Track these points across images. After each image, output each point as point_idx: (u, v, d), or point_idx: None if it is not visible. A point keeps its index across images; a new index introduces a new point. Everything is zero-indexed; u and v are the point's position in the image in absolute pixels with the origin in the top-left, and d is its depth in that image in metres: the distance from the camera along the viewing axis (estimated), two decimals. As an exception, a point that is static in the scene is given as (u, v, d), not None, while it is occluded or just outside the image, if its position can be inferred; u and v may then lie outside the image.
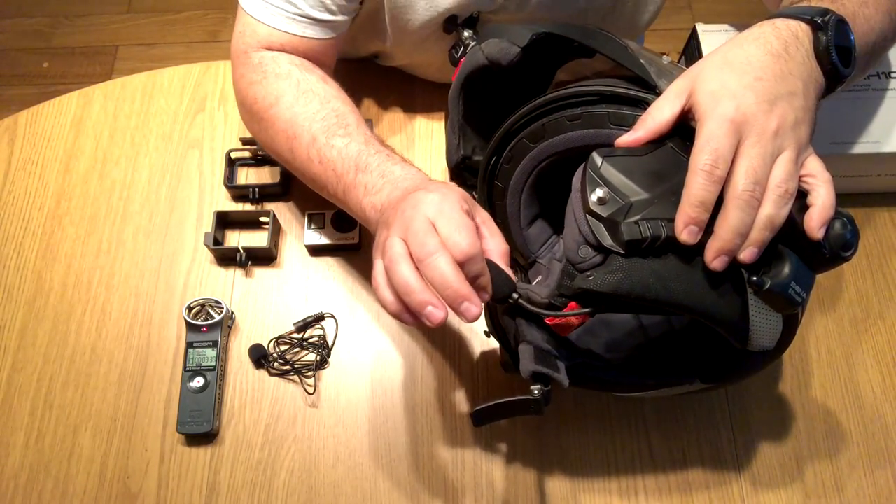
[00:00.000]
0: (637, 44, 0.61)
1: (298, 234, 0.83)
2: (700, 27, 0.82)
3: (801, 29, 0.54)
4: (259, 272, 0.81)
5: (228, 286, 0.80)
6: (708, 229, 0.49)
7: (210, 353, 0.74)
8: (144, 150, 0.88)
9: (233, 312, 0.79)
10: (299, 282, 0.81)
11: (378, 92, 0.91)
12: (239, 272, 0.81)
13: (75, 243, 0.83)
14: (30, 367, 0.77)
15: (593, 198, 0.50)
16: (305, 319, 0.78)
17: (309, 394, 0.75)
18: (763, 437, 0.73)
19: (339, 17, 0.72)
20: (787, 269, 0.49)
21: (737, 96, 0.49)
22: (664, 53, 0.62)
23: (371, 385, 0.76)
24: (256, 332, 0.78)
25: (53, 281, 0.81)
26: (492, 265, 0.53)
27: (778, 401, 0.75)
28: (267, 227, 0.81)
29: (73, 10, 2.04)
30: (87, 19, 2.03)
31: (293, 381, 0.76)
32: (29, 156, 0.88)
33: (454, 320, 0.76)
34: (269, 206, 0.84)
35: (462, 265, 0.49)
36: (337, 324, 0.78)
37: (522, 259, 0.70)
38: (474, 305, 0.48)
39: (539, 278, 0.68)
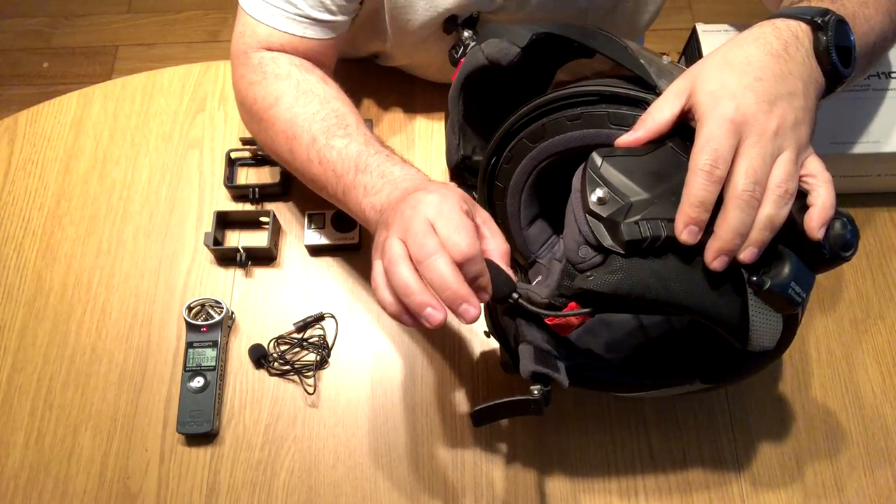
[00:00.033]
0: (637, 44, 0.61)
1: (298, 234, 0.83)
2: (700, 27, 0.82)
3: (801, 29, 0.54)
4: (259, 272, 0.81)
5: (228, 286, 0.81)
6: (708, 229, 0.49)
7: (210, 353, 0.74)
8: (144, 150, 0.88)
9: (233, 312, 0.79)
10: (299, 282, 0.81)
11: (378, 92, 0.91)
12: (239, 272, 0.81)
13: (75, 243, 0.83)
14: (30, 367, 0.77)
15: (593, 198, 0.50)
16: (305, 319, 0.78)
17: (309, 394, 0.75)
18: (763, 437, 0.73)
19: (339, 18, 0.72)
20: (787, 269, 0.49)
21: (737, 96, 0.49)
22: (664, 53, 0.62)
23: (371, 385, 0.76)
24: (256, 332, 0.78)
25: (53, 281, 0.81)
26: (492, 265, 0.53)
27: (778, 401, 0.75)
28: (267, 227, 0.81)
29: (73, 10, 2.04)
30: (87, 19, 2.03)
31: (293, 381, 0.76)
32: (29, 156, 0.88)
33: (454, 320, 0.76)
34: (269, 206, 0.84)
35: (461, 266, 0.49)
36: (337, 324, 0.78)
37: (522, 259, 0.70)
38: (473, 307, 0.48)
39: (539, 278, 0.68)
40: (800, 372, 0.76)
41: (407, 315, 0.50)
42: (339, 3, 0.71)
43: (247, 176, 0.86)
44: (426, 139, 0.89)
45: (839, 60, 0.53)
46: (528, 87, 0.65)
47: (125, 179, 0.87)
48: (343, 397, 0.75)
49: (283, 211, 0.84)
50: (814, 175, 0.51)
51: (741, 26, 0.61)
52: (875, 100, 0.78)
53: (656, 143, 0.52)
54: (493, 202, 0.69)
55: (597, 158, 0.52)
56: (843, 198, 0.55)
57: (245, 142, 0.85)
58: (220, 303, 0.77)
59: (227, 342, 0.77)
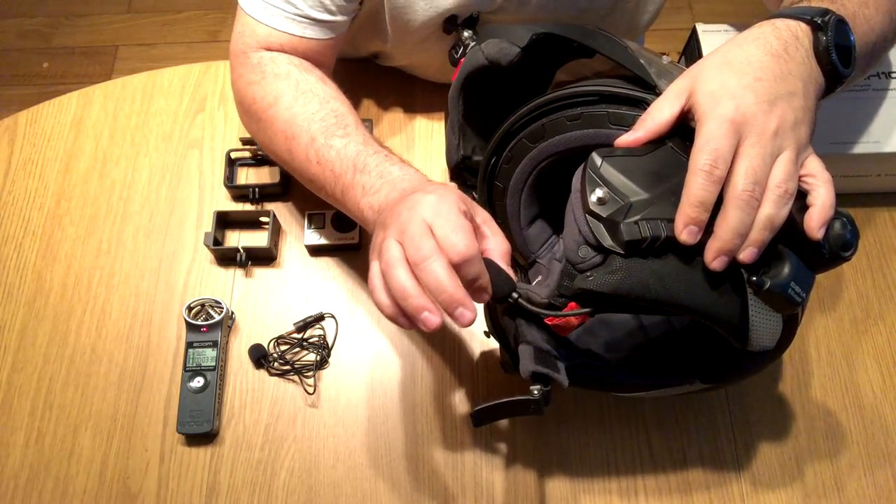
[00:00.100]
0: (637, 44, 0.61)
1: (298, 234, 0.83)
2: (700, 27, 0.82)
3: (801, 29, 0.54)
4: (259, 272, 0.81)
5: (228, 286, 0.81)
6: (708, 229, 0.49)
7: (210, 353, 0.74)
8: (144, 150, 0.88)
9: (233, 312, 0.79)
10: (299, 282, 0.81)
11: (378, 92, 0.91)
12: (239, 272, 0.81)
13: (75, 243, 0.83)
14: (30, 367, 0.77)
15: (593, 198, 0.50)
16: (305, 319, 0.78)
17: (309, 394, 0.75)
18: (763, 437, 0.73)
19: (339, 18, 0.72)
20: (786, 269, 0.49)
21: (736, 96, 0.49)
22: (664, 53, 0.62)
23: (371, 385, 0.76)
24: (256, 332, 0.78)
25: (53, 281, 0.81)
26: (492, 265, 0.53)
27: (778, 401, 0.75)
28: (267, 227, 0.81)
29: (73, 10, 2.04)
30: (87, 19, 2.03)
31: (293, 381, 0.76)
32: (29, 156, 0.88)
33: (452, 322, 0.76)
34: (269, 206, 0.84)
35: (460, 267, 0.49)
36: (337, 324, 0.78)
37: (522, 259, 0.70)
38: (469, 311, 0.48)
39: (539, 278, 0.68)
40: (800, 372, 0.76)
41: (404, 318, 0.50)
42: (339, 4, 0.71)
43: (247, 176, 0.86)
44: (426, 139, 0.89)
45: (839, 60, 0.53)
46: (528, 87, 0.65)
47: (125, 179, 0.87)
48: (343, 397, 0.75)
49: (283, 211, 0.84)
50: (813, 175, 0.51)
51: (741, 26, 0.61)
52: (875, 100, 0.78)
53: (656, 143, 0.52)
54: (493, 202, 0.69)
55: (596, 158, 0.52)
56: (843, 198, 0.55)
57: (245, 142, 0.85)
58: (220, 303, 0.77)
59: (227, 342, 0.77)
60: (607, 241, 0.50)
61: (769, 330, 0.52)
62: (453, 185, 0.75)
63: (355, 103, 0.89)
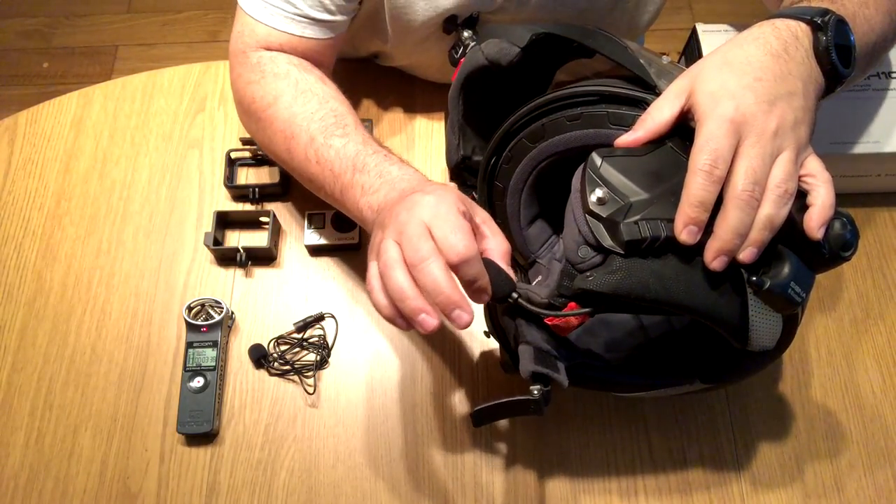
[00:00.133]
0: (637, 44, 0.61)
1: (298, 235, 0.83)
2: (700, 27, 0.82)
3: (801, 29, 0.54)
4: (259, 272, 0.81)
5: (228, 286, 0.81)
6: (707, 229, 0.49)
7: (210, 353, 0.75)
8: (144, 150, 0.88)
9: (233, 312, 0.79)
10: (299, 282, 0.81)
11: (378, 92, 0.91)
12: (239, 272, 0.81)
13: (75, 243, 0.83)
14: (30, 367, 0.77)
15: (593, 198, 0.50)
16: (305, 319, 0.78)
17: (309, 394, 0.75)
18: (763, 437, 0.73)
19: (338, 18, 0.72)
20: (786, 269, 0.49)
21: (736, 96, 0.49)
22: (664, 53, 0.62)
23: (371, 385, 0.76)
24: (256, 332, 0.78)
25: (53, 281, 0.81)
26: (492, 264, 0.53)
27: (778, 401, 0.75)
28: (267, 227, 0.81)
29: (73, 10, 2.04)
30: (87, 19, 2.03)
31: (293, 381, 0.76)
32: (29, 156, 0.88)
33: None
34: (269, 206, 0.84)
35: (459, 268, 0.49)
36: (337, 324, 0.78)
37: (522, 259, 0.70)
38: (465, 313, 0.49)
39: (539, 278, 0.68)
40: (800, 372, 0.76)
41: (401, 319, 0.50)
42: (339, 3, 0.71)
43: (247, 176, 0.86)
44: (426, 139, 0.89)
45: (839, 60, 0.53)
46: (528, 87, 0.65)
47: (125, 179, 0.87)
48: (343, 397, 0.75)
49: (283, 211, 0.84)
50: (813, 175, 0.51)
51: (741, 26, 0.61)
52: (875, 100, 0.78)
53: (656, 143, 0.52)
54: (492, 202, 0.69)
55: (596, 158, 0.52)
56: (843, 198, 0.55)
57: (245, 142, 0.85)
58: (220, 303, 0.77)
59: (227, 342, 0.77)
60: (607, 241, 0.50)
61: (769, 330, 0.52)
62: (453, 185, 0.75)
63: (355, 103, 0.89)
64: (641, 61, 0.56)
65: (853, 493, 0.71)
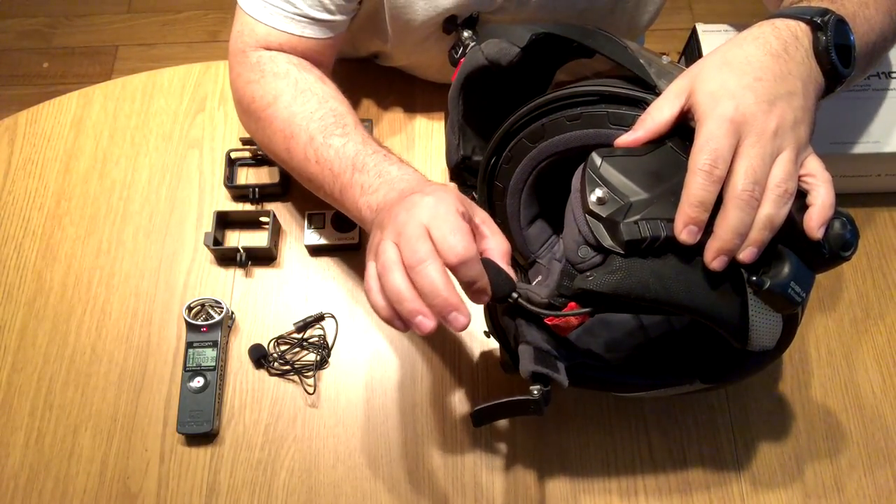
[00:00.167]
0: (637, 44, 0.61)
1: (298, 235, 0.83)
2: (700, 27, 0.82)
3: (801, 29, 0.54)
4: (259, 272, 0.81)
5: (228, 286, 0.81)
6: (707, 229, 0.49)
7: (210, 353, 0.74)
8: (144, 150, 0.88)
9: (233, 312, 0.79)
10: (299, 282, 0.81)
11: (378, 92, 0.91)
12: (239, 272, 0.81)
13: (75, 243, 0.83)
14: (30, 367, 0.77)
15: (593, 198, 0.50)
16: (305, 319, 0.78)
17: (309, 394, 0.75)
18: (763, 437, 0.73)
19: (338, 17, 0.72)
20: (786, 269, 0.49)
21: (736, 96, 0.49)
22: (664, 53, 0.62)
23: (371, 385, 0.76)
24: (256, 332, 0.78)
25: (53, 281, 0.81)
26: (491, 265, 0.53)
27: (778, 401, 0.75)
28: (267, 227, 0.81)
29: (73, 10, 2.04)
30: (87, 19, 2.03)
31: (293, 381, 0.76)
32: (29, 156, 0.88)
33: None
34: (269, 206, 0.84)
35: (458, 269, 0.49)
36: (337, 324, 0.78)
37: (522, 259, 0.70)
38: (462, 315, 0.49)
39: (539, 278, 0.68)
40: (800, 372, 0.76)
41: (399, 321, 0.50)
42: (338, 3, 0.71)
43: (247, 176, 0.86)
44: (426, 139, 0.89)
45: (839, 60, 0.53)
46: (528, 87, 0.65)
47: (125, 179, 0.87)
48: (343, 397, 0.75)
49: (283, 211, 0.84)
50: (813, 175, 0.51)
51: (741, 26, 0.61)
52: (875, 100, 0.78)
53: (656, 143, 0.52)
54: (492, 202, 0.69)
55: (596, 158, 0.52)
56: (843, 198, 0.55)
57: (245, 142, 0.85)
58: (220, 303, 0.77)
59: (227, 342, 0.77)
60: (607, 241, 0.50)
61: (769, 330, 0.52)
62: (452, 185, 0.75)
63: (355, 103, 0.89)
64: (641, 61, 0.56)
65: (853, 493, 0.71)
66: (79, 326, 0.79)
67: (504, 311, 0.59)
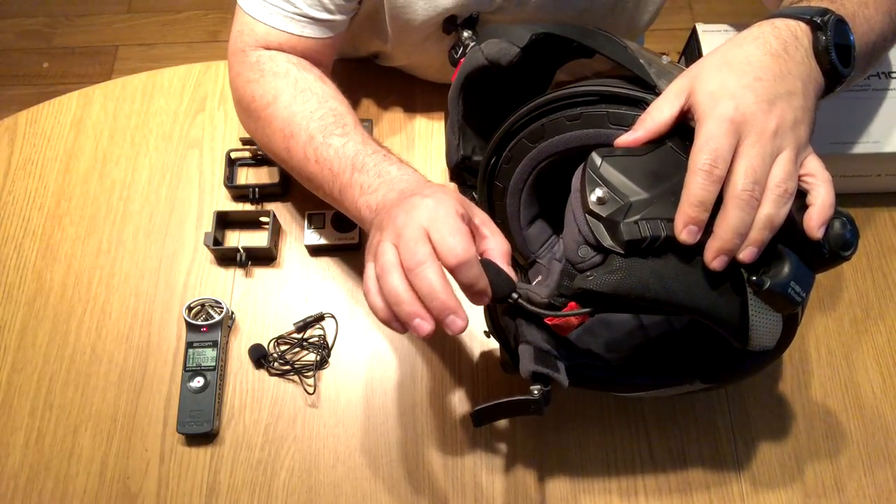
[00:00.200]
0: (637, 44, 0.61)
1: (298, 235, 0.83)
2: (700, 27, 0.82)
3: (801, 29, 0.54)
4: (259, 272, 0.81)
5: (228, 286, 0.81)
6: (707, 229, 0.49)
7: (210, 353, 0.74)
8: (144, 150, 0.88)
9: (233, 312, 0.79)
10: (299, 282, 0.81)
11: (378, 92, 0.91)
12: (239, 272, 0.81)
13: (75, 243, 0.83)
14: (30, 367, 0.77)
15: (593, 198, 0.50)
16: (305, 319, 0.78)
17: (309, 394, 0.75)
18: (763, 437, 0.73)
19: (338, 17, 0.72)
20: (786, 269, 0.49)
21: (736, 96, 0.49)
22: (664, 53, 0.62)
23: (371, 385, 0.76)
24: (256, 332, 0.78)
25: (53, 281, 0.81)
26: (491, 265, 0.53)
27: (778, 401, 0.75)
28: (267, 227, 0.81)
29: (73, 10, 2.04)
30: (87, 19, 2.03)
31: (293, 381, 0.76)
32: (29, 156, 0.88)
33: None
34: (269, 206, 0.84)
35: (457, 271, 0.49)
36: (337, 324, 0.78)
37: (522, 259, 0.70)
38: (460, 318, 0.49)
39: (539, 278, 0.68)
40: (800, 372, 0.76)
41: (397, 322, 0.50)
42: (338, 3, 0.71)
43: (247, 176, 0.86)
44: (426, 139, 0.89)
45: (839, 60, 0.53)
46: (528, 87, 0.65)
47: (125, 179, 0.87)
48: (343, 397, 0.75)
49: (283, 211, 0.84)
50: (813, 174, 0.51)
51: (741, 26, 0.61)
52: (875, 100, 0.78)
53: (656, 142, 0.52)
54: (492, 202, 0.69)
55: (596, 158, 0.52)
56: (843, 198, 0.55)
57: (245, 142, 0.85)
58: (220, 303, 0.77)
59: (227, 342, 0.77)
60: (607, 241, 0.50)
61: (769, 330, 0.52)
62: (452, 186, 0.75)
63: (355, 103, 0.89)
64: (641, 61, 0.56)
65: (853, 493, 0.71)
66: (79, 326, 0.79)
67: (504, 311, 0.59)
